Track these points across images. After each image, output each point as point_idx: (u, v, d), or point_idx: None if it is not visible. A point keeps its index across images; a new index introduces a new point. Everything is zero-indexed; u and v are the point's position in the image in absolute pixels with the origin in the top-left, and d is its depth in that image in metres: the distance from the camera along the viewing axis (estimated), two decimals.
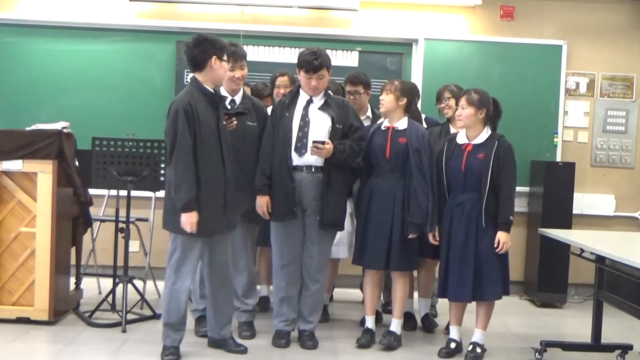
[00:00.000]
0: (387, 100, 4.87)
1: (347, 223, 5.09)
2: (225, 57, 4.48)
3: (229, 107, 4.83)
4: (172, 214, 4.40)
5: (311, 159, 4.74)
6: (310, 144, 4.68)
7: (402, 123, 4.88)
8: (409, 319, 5.41)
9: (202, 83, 4.45)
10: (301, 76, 4.79)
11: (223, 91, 4.74)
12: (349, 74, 5.64)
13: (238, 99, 4.95)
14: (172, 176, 4.34)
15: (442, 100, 5.36)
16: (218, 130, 4.44)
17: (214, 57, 4.41)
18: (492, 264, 4.66)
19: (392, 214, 4.81)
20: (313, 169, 4.77)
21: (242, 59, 4.90)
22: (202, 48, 4.41)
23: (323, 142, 4.66)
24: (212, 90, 4.48)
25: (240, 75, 4.88)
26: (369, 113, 5.54)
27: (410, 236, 4.77)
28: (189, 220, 4.30)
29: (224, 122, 4.53)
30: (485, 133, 4.76)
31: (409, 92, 4.93)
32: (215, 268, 4.59)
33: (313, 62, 4.70)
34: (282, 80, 5.63)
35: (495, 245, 4.63)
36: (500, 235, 4.63)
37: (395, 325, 4.95)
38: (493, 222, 4.66)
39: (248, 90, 5.42)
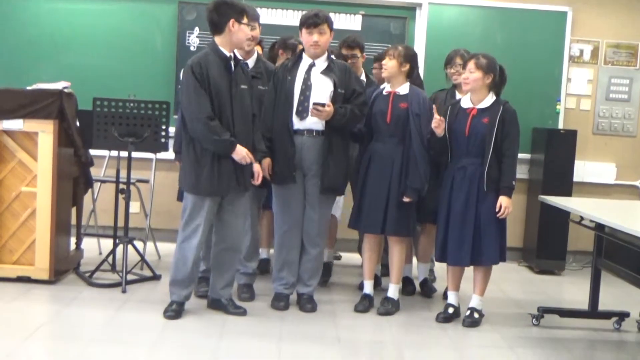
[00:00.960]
0: (390, 65, 4.84)
1: None
2: (245, 20, 4.49)
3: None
4: (185, 172, 4.50)
5: (312, 123, 4.73)
6: (311, 106, 4.66)
7: (403, 88, 4.86)
8: (407, 284, 5.43)
9: (218, 46, 4.48)
10: (303, 35, 4.76)
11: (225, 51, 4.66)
12: (344, 37, 5.59)
13: (251, 62, 4.96)
14: (196, 131, 4.38)
15: (453, 65, 5.27)
16: (230, 94, 4.45)
17: (232, 20, 4.43)
18: (491, 229, 4.66)
19: (389, 179, 4.80)
20: (314, 133, 4.76)
21: (254, 20, 4.91)
22: (221, 11, 4.43)
23: (323, 105, 4.64)
24: (227, 54, 4.48)
25: (251, 36, 4.87)
26: (364, 77, 5.50)
27: (406, 199, 4.76)
28: (240, 155, 4.43)
29: (243, 86, 4.52)
30: (490, 98, 4.74)
31: (412, 58, 4.90)
32: (224, 230, 4.63)
33: (314, 17, 4.70)
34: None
35: (497, 210, 4.63)
36: (503, 200, 4.63)
37: (393, 290, 4.97)
38: (494, 187, 4.65)
39: (259, 50, 5.39)
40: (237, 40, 4.51)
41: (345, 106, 4.73)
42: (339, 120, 4.71)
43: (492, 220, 4.66)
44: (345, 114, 4.71)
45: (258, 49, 5.29)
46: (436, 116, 4.68)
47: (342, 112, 4.71)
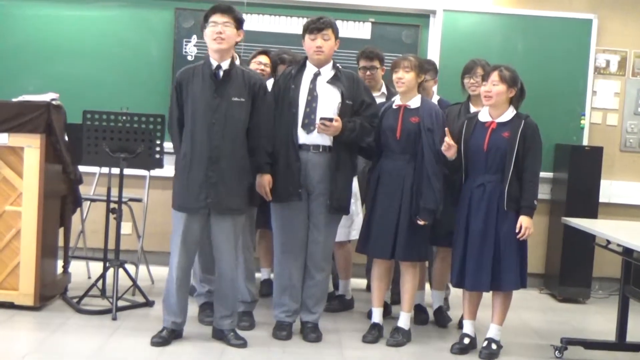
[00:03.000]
0: (408, 78, 4.82)
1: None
2: (207, 22, 4.55)
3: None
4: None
5: (319, 137, 4.74)
6: (318, 121, 4.68)
7: (415, 101, 4.87)
8: (419, 312, 5.43)
9: (209, 55, 4.60)
10: (306, 42, 4.79)
11: (213, 61, 4.61)
12: (363, 48, 5.67)
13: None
14: None
15: (473, 75, 5.25)
16: (211, 105, 4.51)
17: (204, 32, 4.59)
18: (511, 251, 4.66)
19: (400, 199, 4.80)
20: (321, 149, 4.77)
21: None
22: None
23: (331, 120, 4.65)
24: (214, 63, 4.56)
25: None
26: (384, 89, 5.54)
27: (421, 223, 4.77)
28: None
29: (236, 99, 4.55)
30: (511, 112, 4.75)
31: (425, 69, 4.94)
32: (214, 251, 4.69)
33: (317, 21, 4.74)
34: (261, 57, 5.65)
35: (517, 230, 4.64)
36: (523, 220, 4.63)
37: (404, 320, 4.96)
38: (515, 206, 4.65)
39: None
40: (208, 45, 4.59)
41: (354, 120, 4.75)
42: (348, 136, 4.73)
43: (512, 241, 4.66)
44: (355, 129, 4.73)
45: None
46: (447, 140, 4.69)
47: (351, 126, 4.72)
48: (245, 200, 4.65)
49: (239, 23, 4.60)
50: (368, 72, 5.52)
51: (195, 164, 4.53)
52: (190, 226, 4.58)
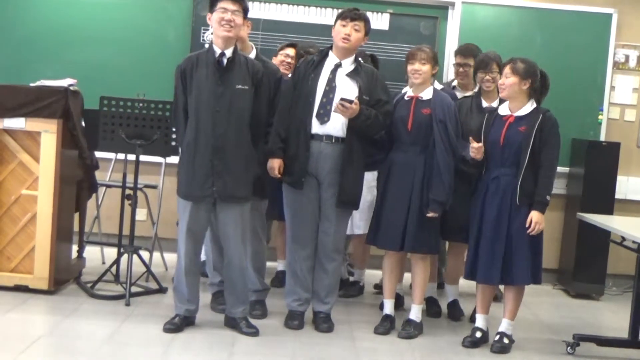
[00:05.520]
0: (425, 70, 4.82)
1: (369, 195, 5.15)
2: (216, 7, 4.51)
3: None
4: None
5: (332, 128, 4.74)
6: (337, 101, 4.65)
7: (427, 93, 4.86)
8: (431, 305, 5.43)
9: (213, 42, 4.59)
10: (336, 27, 4.79)
11: (217, 48, 4.58)
12: (459, 46, 5.79)
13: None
14: None
15: (489, 71, 5.23)
16: (215, 93, 4.51)
17: (208, 14, 4.58)
18: (523, 246, 4.65)
19: (410, 191, 4.79)
20: (333, 140, 4.77)
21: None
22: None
23: (351, 101, 4.63)
24: (217, 50, 4.54)
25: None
26: (477, 88, 5.49)
27: (431, 215, 4.75)
28: None
29: (240, 86, 4.54)
30: (530, 106, 4.73)
31: (438, 60, 4.93)
32: (221, 240, 4.71)
33: (353, 10, 4.77)
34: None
35: (527, 225, 4.62)
36: (534, 215, 4.62)
37: (415, 312, 4.96)
38: (528, 201, 4.64)
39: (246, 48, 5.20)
40: (214, 32, 4.56)
41: (370, 109, 4.74)
42: (363, 122, 4.71)
43: (524, 236, 4.64)
44: (370, 116, 4.72)
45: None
46: (474, 145, 4.69)
47: (367, 113, 4.71)
48: (251, 188, 4.65)
49: (246, 13, 4.61)
50: (461, 69, 5.50)
51: (200, 152, 4.52)
52: (196, 214, 4.59)
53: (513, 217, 4.67)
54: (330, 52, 4.84)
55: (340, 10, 4.89)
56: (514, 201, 4.65)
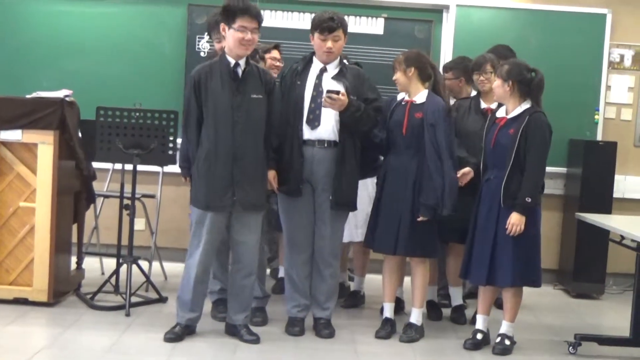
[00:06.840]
0: (397, 77, 4.89)
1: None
2: (235, 25, 4.47)
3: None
4: (192, 183, 4.66)
5: (324, 132, 4.73)
6: (325, 95, 4.63)
7: (420, 96, 4.86)
8: (432, 308, 5.42)
9: (225, 52, 4.57)
10: (315, 39, 4.76)
11: (230, 59, 4.58)
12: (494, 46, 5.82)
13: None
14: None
15: (483, 72, 5.27)
16: (232, 104, 4.49)
17: (222, 25, 4.53)
18: (507, 247, 4.64)
19: (404, 195, 4.80)
20: (326, 144, 4.76)
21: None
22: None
23: (338, 92, 4.63)
24: (231, 61, 4.53)
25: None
26: (473, 92, 5.48)
27: (421, 219, 4.75)
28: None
29: (255, 96, 4.54)
30: (523, 106, 4.74)
31: (415, 60, 4.86)
32: (236, 249, 4.69)
33: (329, 21, 4.69)
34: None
35: (506, 227, 4.63)
36: (512, 216, 4.62)
37: (416, 315, 4.95)
38: (513, 202, 4.65)
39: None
40: (229, 46, 4.53)
41: (359, 102, 4.73)
42: (353, 113, 4.67)
43: (509, 238, 4.64)
44: (360, 108, 4.69)
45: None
46: (460, 174, 4.84)
47: (356, 104, 4.68)
48: (266, 196, 4.69)
49: (260, 27, 4.60)
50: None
51: (220, 163, 4.50)
52: (216, 225, 4.57)
53: (500, 218, 4.68)
54: (313, 57, 4.84)
55: (315, 16, 4.80)
56: (501, 203, 4.68)
